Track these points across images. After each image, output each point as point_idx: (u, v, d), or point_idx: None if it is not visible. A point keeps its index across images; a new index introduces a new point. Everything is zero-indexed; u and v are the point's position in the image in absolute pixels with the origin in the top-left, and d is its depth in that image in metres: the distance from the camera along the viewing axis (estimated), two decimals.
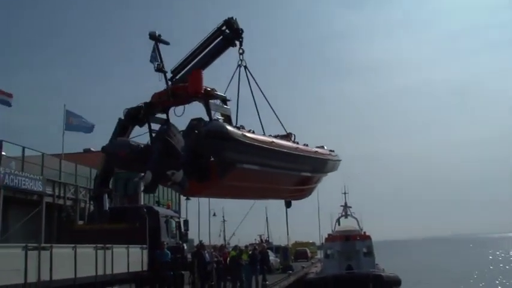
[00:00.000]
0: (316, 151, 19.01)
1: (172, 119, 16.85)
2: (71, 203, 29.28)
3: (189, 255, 20.94)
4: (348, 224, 40.47)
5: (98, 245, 14.63)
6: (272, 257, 36.84)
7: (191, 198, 42.76)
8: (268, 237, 73.98)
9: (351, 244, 34.39)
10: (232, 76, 17.88)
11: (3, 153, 24.01)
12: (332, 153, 20.45)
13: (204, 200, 47.19)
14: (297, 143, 18.24)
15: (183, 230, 21.49)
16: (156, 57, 16.10)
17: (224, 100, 16.71)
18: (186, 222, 22.46)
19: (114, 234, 16.59)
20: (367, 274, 31.12)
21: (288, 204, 23.85)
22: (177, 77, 17.97)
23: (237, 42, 18.25)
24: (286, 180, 18.63)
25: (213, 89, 15.96)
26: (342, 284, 30.55)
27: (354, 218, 40.74)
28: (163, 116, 17.29)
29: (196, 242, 32.67)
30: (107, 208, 18.72)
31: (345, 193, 42.53)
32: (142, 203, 37.51)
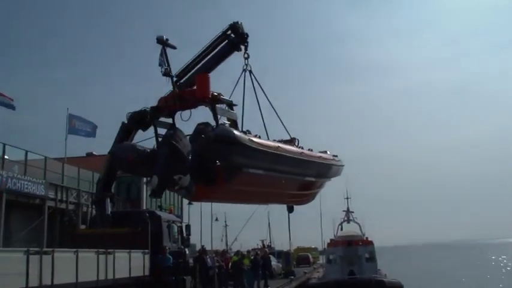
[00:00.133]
0: (321, 156, 19.01)
1: (178, 124, 16.86)
2: (73, 207, 29.28)
3: (191, 260, 20.91)
4: (350, 229, 40.38)
5: (100, 250, 14.62)
6: (274, 262, 36.79)
7: (193, 203, 42.86)
8: (270, 242, 73.97)
9: (353, 249, 34.26)
10: (238, 81, 17.89)
11: (6, 156, 24.04)
12: (335, 158, 20.46)
13: (206, 205, 47.20)
14: (302, 148, 18.26)
15: (185, 234, 21.46)
16: (164, 61, 16.15)
17: (230, 105, 16.74)
18: (188, 227, 22.43)
19: (116, 239, 16.58)
20: (370, 280, 30.99)
21: (290, 209, 23.83)
22: (181, 81, 17.97)
23: (242, 47, 18.23)
24: (291, 185, 18.65)
25: (219, 94, 16.01)
26: None
27: (356, 223, 40.63)
28: (167, 120, 17.29)
29: (198, 247, 32.69)
30: (109, 212, 18.74)
31: (347, 198, 42.46)
32: (144, 207, 37.57)
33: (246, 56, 18.21)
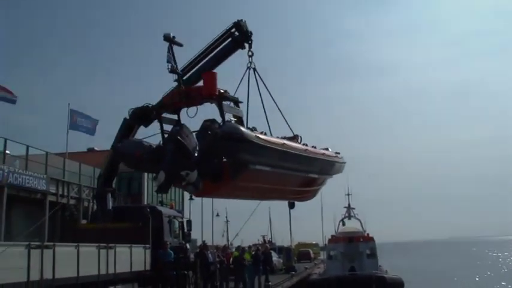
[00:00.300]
0: (324, 153, 19.04)
1: (183, 120, 16.85)
2: (75, 202, 29.32)
3: (192, 256, 20.93)
4: (351, 225, 40.44)
5: (101, 244, 14.61)
6: (275, 257, 36.86)
7: (194, 198, 42.88)
8: (271, 238, 74.01)
9: (354, 246, 34.33)
10: (242, 78, 17.87)
11: (7, 151, 24.06)
12: (338, 155, 20.52)
13: (207, 201, 47.19)
14: (306, 145, 18.29)
15: (186, 230, 21.47)
16: (171, 58, 16.18)
17: (236, 102, 16.74)
18: (189, 222, 22.45)
19: (117, 234, 16.58)
20: (370, 276, 31.05)
21: (292, 205, 23.85)
22: (184, 78, 17.96)
23: (246, 45, 18.21)
24: (295, 182, 18.69)
25: (225, 91, 16.01)
26: (344, 285, 30.49)
27: (358, 219, 40.72)
28: (172, 116, 17.28)
29: (199, 242, 32.70)
30: (110, 207, 18.74)
31: (348, 194, 42.58)
32: (145, 202, 37.66)
33: (250, 54, 18.18)
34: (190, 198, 44.62)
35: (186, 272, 19.40)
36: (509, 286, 43.26)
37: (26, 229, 22.71)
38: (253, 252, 24.53)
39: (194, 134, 15.75)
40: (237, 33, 18.09)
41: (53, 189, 27.02)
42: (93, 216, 20.76)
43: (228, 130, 14.48)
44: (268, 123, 18.01)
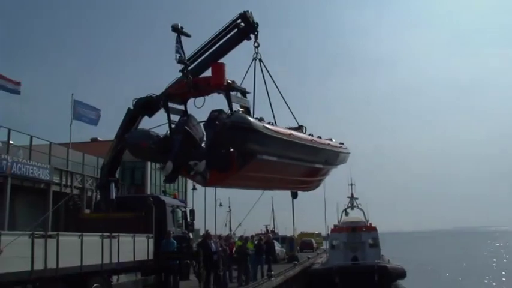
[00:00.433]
0: (329, 143, 19.07)
1: (189, 110, 16.88)
2: (78, 191, 29.46)
3: (194, 245, 21.01)
4: (354, 215, 40.54)
5: (104, 234, 14.70)
6: (278, 247, 36.95)
7: (197, 188, 43.01)
8: (274, 227, 74.24)
9: (356, 235, 34.40)
10: (248, 69, 17.85)
11: (11, 142, 24.15)
12: (342, 145, 20.55)
13: (210, 190, 47.42)
14: (311, 135, 18.31)
15: (189, 219, 21.54)
16: (180, 48, 16.19)
17: (244, 92, 16.75)
18: (192, 212, 22.52)
19: (121, 223, 16.66)
20: (373, 265, 31.14)
21: (295, 195, 23.84)
22: (188, 68, 17.95)
23: (252, 36, 18.18)
24: (300, 172, 18.72)
25: (233, 82, 16.03)
26: (347, 275, 30.60)
27: (360, 209, 40.85)
28: (177, 106, 17.30)
29: (202, 232, 32.85)
30: (114, 197, 18.79)
31: (351, 184, 42.66)
32: (148, 192, 37.78)
33: (256, 44, 18.14)
34: (193, 188, 44.88)
35: (189, 262, 19.49)
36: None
37: (30, 219, 22.83)
38: (255, 242, 24.61)
39: (201, 124, 15.82)
40: (242, 24, 18.07)
41: (56, 179, 27.15)
42: (97, 205, 20.82)
43: (237, 120, 14.50)
44: (273, 113, 18.03)
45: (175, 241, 18.39)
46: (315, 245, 61.44)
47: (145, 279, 17.60)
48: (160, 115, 17.71)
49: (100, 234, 14.55)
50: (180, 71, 16.76)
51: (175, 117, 16.63)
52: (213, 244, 20.72)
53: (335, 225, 38.71)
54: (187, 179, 39.14)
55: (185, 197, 44.45)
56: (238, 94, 16.47)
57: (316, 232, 71.62)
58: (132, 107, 18.39)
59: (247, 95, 16.95)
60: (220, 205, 57.33)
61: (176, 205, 20.74)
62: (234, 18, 18.01)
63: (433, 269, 49.07)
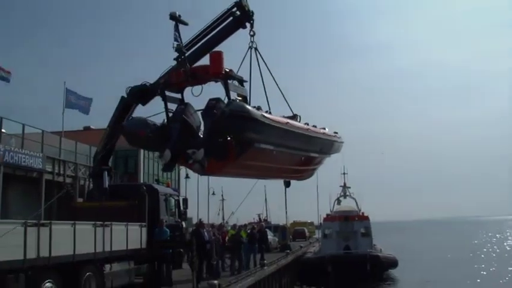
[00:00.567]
0: (324, 133, 19.13)
1: (186, 98, 16.87)
2: (71, 180, 29.40)
3: (187, 234, 21.06)
4: (346, 204, 40.71)
5: (97, 222, 14.69)
6: (270, 236, 37.11)
7: (190, 177, 43.02)
8: (266, 216, 74.46)
9: (349, 224, 34.64)
10: (244, 58, 17.80)
11: (3, 130, 24.04)
12: (336, 135, 20.63)
13: (203, 179, 47.34)
14: (307, 124, 18.35)
15: (182, 208, 21.58)
16: (178, 36, 16.17)
17: (241, 81, 16.75)
18: (185, 200, 22.54)
19: (114, 212, 16.65)
20: (365, 254, 31.37)
21: (287, 184, 23.93)
22: (183, 57, 17.90)
23: (248, 24, 18.11)
24: (296, 161, 18.79)
25: (231, 70, 16.02)
26: (339, 263, 30.80)
27: (353, 198, 41.02)
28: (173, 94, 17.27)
29: (195, 221, 32.90)
30: (107, 186, 18.78)
31: (344, 174, 42.83)
32: (141, 180, 37.77)
33: (251, 33, 18.09)
34: (186, 177, 44.88)
35: (181, 250, 19.56)
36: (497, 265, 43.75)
37: (23, 208, 22.81)
38: (248, 231, 24.71)
39: (199, 112, 15.82)
40: (238, 12, 18.00)
41: (49, 168, 27.09)
42: (90, 194, 20.80)
43: (236, 109, 14.52)
44: (268, 102, 18.04)
45: (168, 230, 18.44)
46: (307, 234, 61.73)
47: (138, 267, 17.65)
48: (154, 103, 17.70)
49: (93, 222, 14.53)
50: (174, 59, 16.72)
51: (171, 106, 16.64)
52: (206, 233, 20.77)
53: (327, 214, 38.93)
54: (180, 168, 39.25)
55: (178, 185, 44.47)
56: (236, 83, 16.48)
57: (309, 221, 71.88)
58: (125, 95, 18.33)
59: (244, 83, 16.99)
60: (213, 194, 57.32)
61: (169, 194, 20.75)
62: (229, 6, 17.94)
63: (425, 258, 49.38)
